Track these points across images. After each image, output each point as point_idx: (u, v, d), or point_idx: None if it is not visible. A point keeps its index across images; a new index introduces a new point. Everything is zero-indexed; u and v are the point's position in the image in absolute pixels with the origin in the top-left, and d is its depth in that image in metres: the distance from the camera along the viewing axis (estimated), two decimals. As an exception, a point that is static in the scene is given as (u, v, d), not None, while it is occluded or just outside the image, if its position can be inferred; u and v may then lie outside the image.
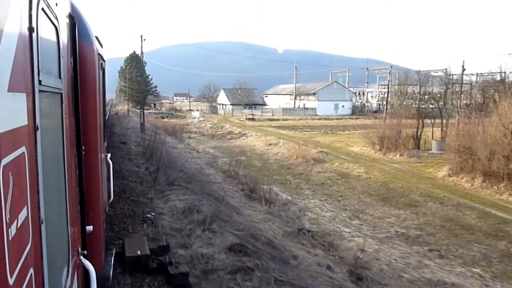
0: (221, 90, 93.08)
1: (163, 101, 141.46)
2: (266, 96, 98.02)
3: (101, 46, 4.60)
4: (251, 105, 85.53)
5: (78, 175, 2.80)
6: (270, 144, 37.37)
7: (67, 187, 2.23)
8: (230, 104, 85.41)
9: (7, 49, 1.21)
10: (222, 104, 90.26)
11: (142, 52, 28.82)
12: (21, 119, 1.36)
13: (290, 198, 19.68)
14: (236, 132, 47.95)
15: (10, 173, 1.18)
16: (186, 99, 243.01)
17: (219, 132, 49.84)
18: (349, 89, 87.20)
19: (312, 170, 26.44)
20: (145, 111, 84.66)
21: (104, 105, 5.39)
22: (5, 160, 1.15)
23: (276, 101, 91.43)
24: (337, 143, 38.36)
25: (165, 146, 24.91)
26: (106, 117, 11.90)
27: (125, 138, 25.62)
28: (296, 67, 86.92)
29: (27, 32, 1.47)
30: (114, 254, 4.68)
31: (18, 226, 1.26)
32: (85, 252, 2.83)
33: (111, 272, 4.16)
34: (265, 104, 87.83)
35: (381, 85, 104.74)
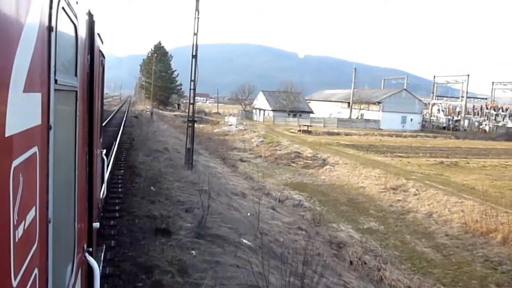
0: (259, 93, 77.95)
1: (185, 101, 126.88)
2: (308, 102, 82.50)
3: (102, 42, 4.39)
4: (296, 112, 70.29)
5: (89, 172, 2.75)
6: (394, 189, 21.87)
7: (77, 184, 2.19)
8: (271, 110, 70.21)
9: (25, 49, 1.18)
10: (260, 109, 75.14)
11: (197, 16, 14.07)
12: (35, 119, 1.32)
13: None
14: (307, 154, 32.50)
15: (20, 174, 1.15)
16: (207, 99, 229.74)
17: (279, 152, 34.51)
18: (420, 99, 70.98)
19: None
20: (170, 113, 70.25)
21: (102, 101, 5.33)
22: (16, 162, 1.11)
23: (323, 109, 75.88)
24: (507, 190, 22.49)
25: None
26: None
27: (162, 198, 10.51)
28: (355, 68, 71.17)
29: (46, 32, 1.43)
30: (104, 250, 4.28)
31: (25, 227, 1.21)
32: (90, 249, 2.77)
33: (100, 268, 3.84)
34: (312, 112, 72.37)
35: (439, 96, 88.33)
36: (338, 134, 54.03)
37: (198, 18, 15.19)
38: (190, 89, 15.34)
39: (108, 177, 11.69)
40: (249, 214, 13.73)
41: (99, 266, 3.60)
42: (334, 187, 23.20)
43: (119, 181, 11.88)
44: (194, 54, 15.15)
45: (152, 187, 11.38)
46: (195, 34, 15.24)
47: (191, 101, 15.55)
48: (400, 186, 22.18)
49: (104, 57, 4.76)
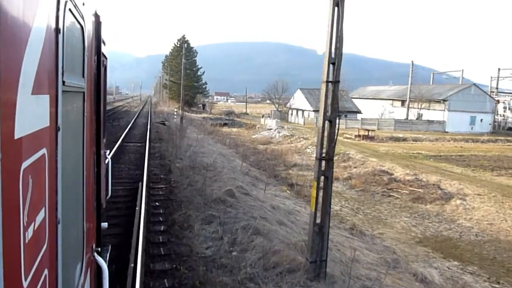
0: (296, 91, 68.47)
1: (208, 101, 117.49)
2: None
3: (104, 44, 4.21)
4: (341, 112, 60.44)
5: (96, 172, 2.72)
6: None
7: (85, 185, 2.18)
8: (313, 111, 60.66)
9: (33, 51, 1.18)
10: (298, 110, 65.73)
11: None
12: (43, 121, 1.32)
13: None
14: (404, 176, 22.88)
15: (30, 176, 1.14)
16: (228, 98, 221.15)
17: (356, 171, 25.00)
18: (491, 95, 60.05)
19: None
20: (197, 115, 61.53)
21: (105, 102, 4.97)
22: (26, 163, 1.11)
23: (369, 108, 65.75)
24: None
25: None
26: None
27: None
28: (412, 61, 60.79)
29: (53, 33, 1.42)
30: (109, 250, 4.11)
31: (35, 228, 1.21)
32: (99, 249, 2.75)
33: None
34: (360, 112, 62.46)
35: (501, 92, 76.79)
36: (404, 140, 44.08)
37: None
38: (327, 81, 6.13)
39: None
40: None
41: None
42: (505, 249, 13.66)
43: None
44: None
45: None
46: None
47: (336, 110, 6.36)
48: None
49: (106, 58, 4.61)
